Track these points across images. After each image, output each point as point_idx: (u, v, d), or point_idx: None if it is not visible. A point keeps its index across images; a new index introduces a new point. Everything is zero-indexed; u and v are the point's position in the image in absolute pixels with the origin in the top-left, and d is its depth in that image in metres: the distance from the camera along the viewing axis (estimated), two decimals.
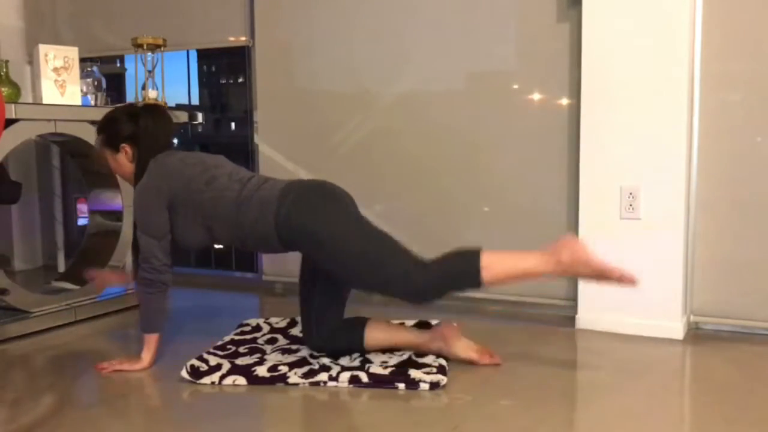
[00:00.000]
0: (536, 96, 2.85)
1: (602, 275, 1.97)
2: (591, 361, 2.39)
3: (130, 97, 3.95)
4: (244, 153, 3.61)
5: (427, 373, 2.07)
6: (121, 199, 3.06)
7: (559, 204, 2.81)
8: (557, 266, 1.98)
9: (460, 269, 2.01)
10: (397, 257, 2.04)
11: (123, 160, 2.31)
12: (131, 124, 2.29)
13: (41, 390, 2.08)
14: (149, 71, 3.17)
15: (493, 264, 1.97)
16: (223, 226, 2.18)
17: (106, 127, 2.33)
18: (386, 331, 2.23)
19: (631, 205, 2.57)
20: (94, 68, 3.16)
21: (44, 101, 2.79)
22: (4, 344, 2.54)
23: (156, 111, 2.37)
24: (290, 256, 2.28)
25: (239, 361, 2.22)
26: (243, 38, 3.46)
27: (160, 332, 2.26)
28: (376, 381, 2.06)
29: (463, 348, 2.18)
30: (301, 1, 3.26)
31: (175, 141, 4.56)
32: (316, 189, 2.20)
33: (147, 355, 2.23)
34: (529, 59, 2.84)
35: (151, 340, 2.24)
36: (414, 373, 2.08)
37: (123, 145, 2.29)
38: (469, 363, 2.13)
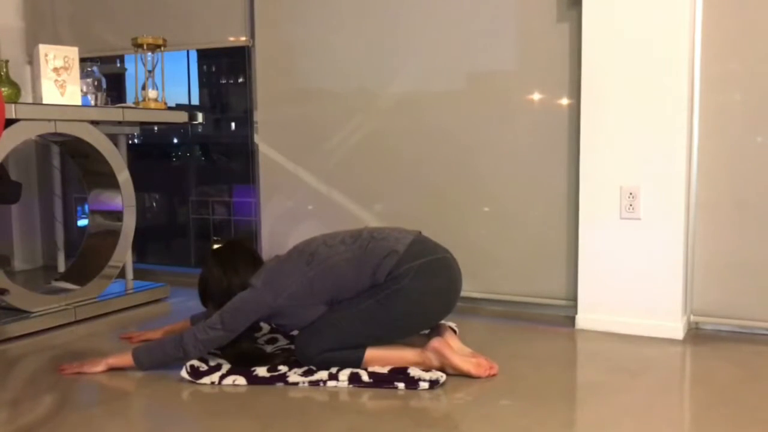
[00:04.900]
0: (536, 96, 2.85)
1: (469, 374, 2.13)
2: (591, 361, 2.39)
3: (130, 97, 3.95)
4: (244, 153, 3.61)
5: (426, 371, 2.08)
6: (120, 199, 3.07)
7: (559, 204, 2.81)
8: (428, 366, 2.14)
9: (347, 359, 2.15)
10: (347, 334, 2.14)
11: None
12: (222, 283, 2.20)
13: (41, 390, 2.08)
14: (149, 71, 3.18)
15: (374, 360, 2.15)
16: (345, 287, 2.16)
17: (207, 297, 2.27)
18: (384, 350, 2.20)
19: (631, 205, 2.57)
20: (94, 68, 3.16)
21: (44, 101, 2.78)
22: (4, 344, 2.54)
23: (231, 252, 2.28)
24: None
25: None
26: (243, 38, 3.46)
27: (143, 369, 2.21)
28: (376, 380, 2.06)
29: (460, 360, 2.14)
30: (301, 1, 3.26)
31: (175, 140, 4.57)
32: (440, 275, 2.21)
33: (112, 361, 2.21)
34: (529, 59, 2.84)
35: (127, 362, 2.21)
36: (413, 372, 2.08)
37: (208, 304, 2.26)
38: (468, 376, 2.12)
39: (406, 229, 2.28)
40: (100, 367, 2.21)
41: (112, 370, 2.21)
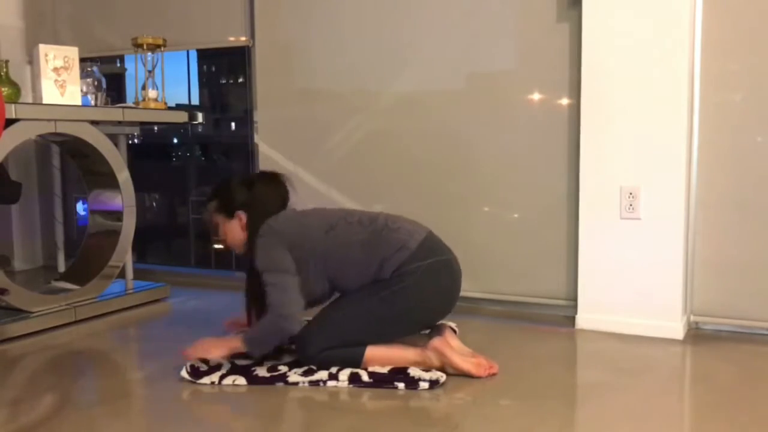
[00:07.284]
0: (536, 96, 2.85)
1: (469, 374, 2.12)
2: (591, 361, 2.40)
3: (130, 97, 3.95)
4: (244, 153, 3.61)
5: (426, 371, 2.09)
6: (120, 199, 3.07)
7: (559, 204, 2.81)
8: (428, 366, 2.14)
9: (347, 357, 2.15)
10: (352, 331, 2.15)
11: (236, 227, 2.29)
12: (246, 192, 2.28)
13: (41, 390, 2.08)
14: (149, 71, 3.18)
15: (374, 359, 2.15)
16: (350, 270, 2.18)
17: (221, 193, 2.33)
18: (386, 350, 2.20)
19: (631, 205, 2.57)
20: (94, 68, 3.16)
21: (44, 101, 2.78)
22: (4, 344, 2.54)
23: (271, 179, 2.36)
24: None
25: (239, 361, 2.21)
26: (243, 38, 3.46)
27: (254, 356, 2.20)
28: (376, 380, 2.06)
29: (460, 359, 2.14)
30: (301, 1, 3.26)
31: (175, 140, 4.58)
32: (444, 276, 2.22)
33: (234, 345, 2.17)
34: (529, 59, 2.84)
35: (240, 347, 2.17)
36: (413, 372, 2.08)
37: (238, 212, 2.28)
38: (468, 376, 2.12)
39: (418, 224, 2.29)
40: (223, 351, 2.18)
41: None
